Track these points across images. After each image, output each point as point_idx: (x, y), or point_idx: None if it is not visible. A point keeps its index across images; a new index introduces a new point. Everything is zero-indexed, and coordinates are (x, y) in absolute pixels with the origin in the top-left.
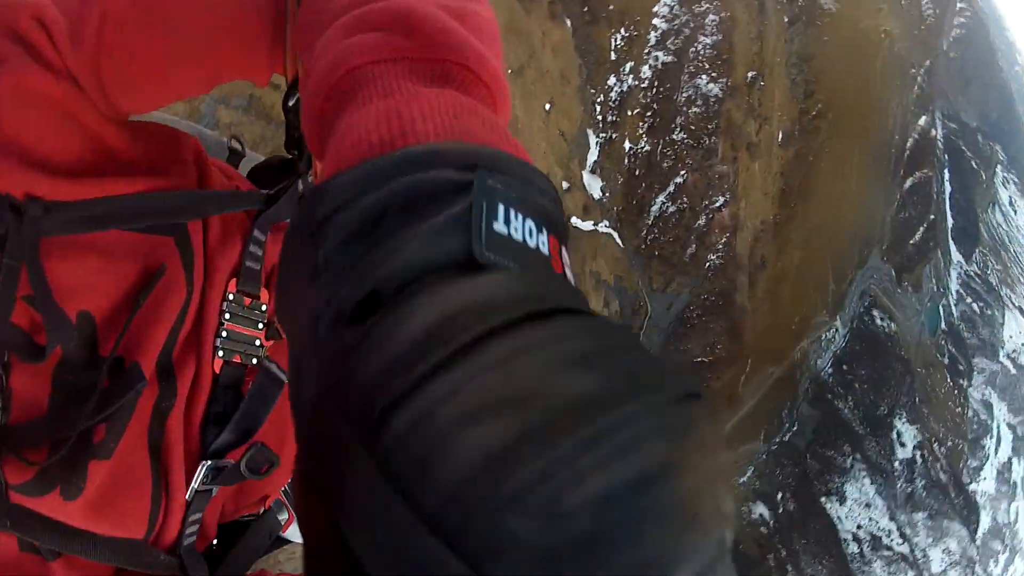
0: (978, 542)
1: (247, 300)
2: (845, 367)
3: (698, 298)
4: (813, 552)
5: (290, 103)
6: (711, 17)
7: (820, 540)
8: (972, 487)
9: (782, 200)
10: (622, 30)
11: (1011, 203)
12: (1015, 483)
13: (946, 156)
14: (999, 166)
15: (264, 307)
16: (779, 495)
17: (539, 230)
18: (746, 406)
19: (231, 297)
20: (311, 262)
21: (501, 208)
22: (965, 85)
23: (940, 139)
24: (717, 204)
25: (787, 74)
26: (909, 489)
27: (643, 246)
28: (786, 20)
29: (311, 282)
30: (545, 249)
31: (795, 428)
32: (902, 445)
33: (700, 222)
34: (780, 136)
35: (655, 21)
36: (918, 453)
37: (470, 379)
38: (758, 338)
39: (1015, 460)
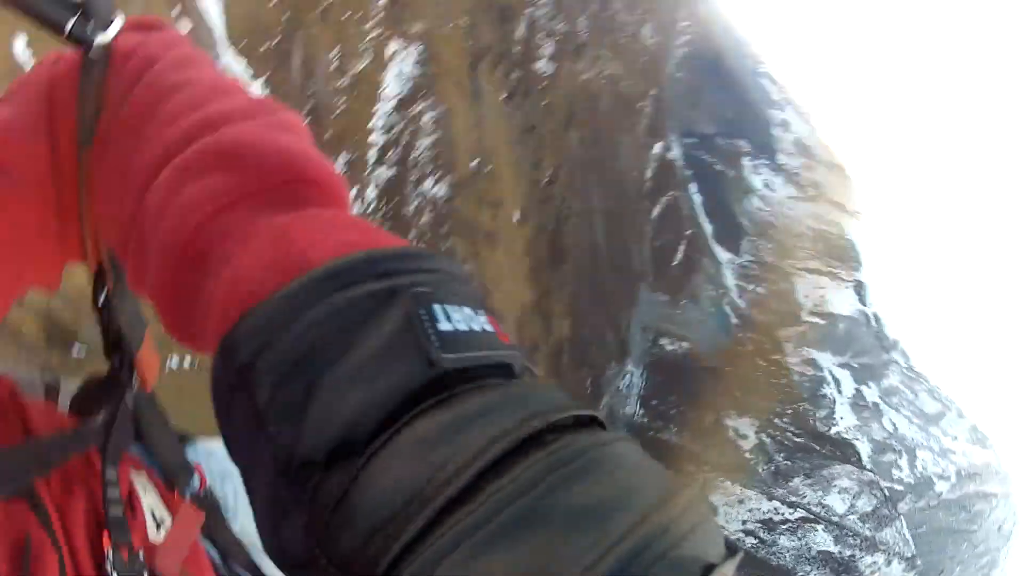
0: (868, 464)
1: (124, 552)
2: (655, 402)
3: None
4: None
5: (100, 299)
6: (428, 116)
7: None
8: (834, 431)
9: (534, 278)
10: (342, 156)
11: (767, 185)
12: (874, 403)
13: (689, 171)
14: (746, 158)
15: (143, 556)
16: None
17: (475, 312)
18: None
19: (110, 555)
20: (250, 413)
21: (438, 308)
22: (696, 98)
23: (679, 158)
24: None
25: (512, 151)
26: (772, 467)
27: None
28: (504, 96)
29: (258, 433)
30: (489, 327)
31: None
32: (743, 437)
33: None
34: (517, 215)
35: (372, 137)
36: (763, 435)
37: (465, 536)
38: None
39: (862, 387)
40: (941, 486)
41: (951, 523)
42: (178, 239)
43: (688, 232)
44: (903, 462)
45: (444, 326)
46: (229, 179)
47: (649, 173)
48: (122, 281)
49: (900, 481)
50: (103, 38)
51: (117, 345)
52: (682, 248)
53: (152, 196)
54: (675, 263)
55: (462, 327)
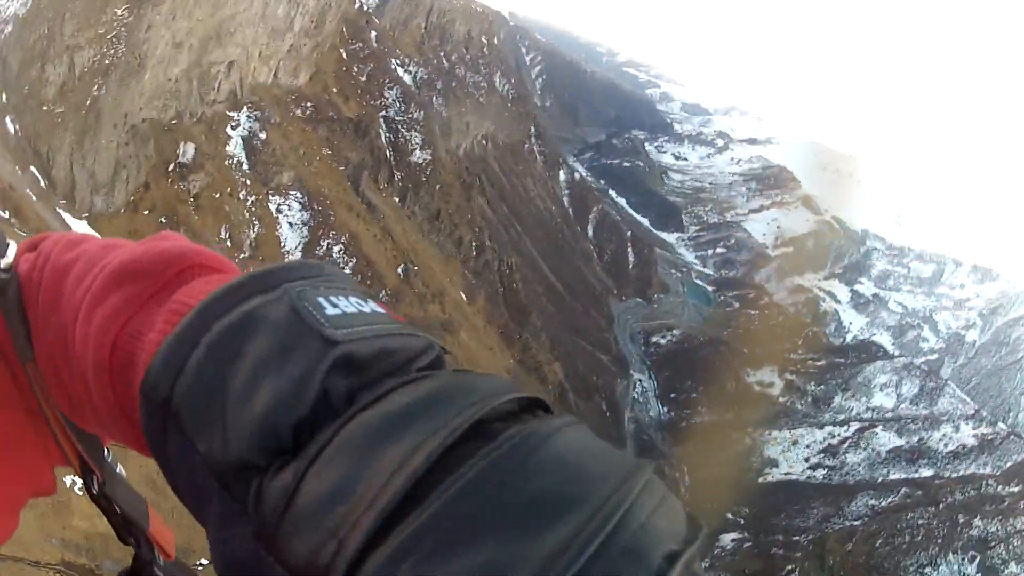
0: (895, 351)
1: None
2: (673, 395)
3: None
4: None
5: (94, 489)
6: (336, 249)
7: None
8: (849, 338)
9: (508, 341)
10: None
11: (677, 157)
12: (873, 295)
13: (600, 181)
14: (646, 144)
15: None
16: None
17: (363, 300)
18: None
19: None
20: (183, 443)
21: (322, 299)
22: (573, 115)
23: (586, 174)
24: None
25: (429, 243)
26: (809, 399)
27: None
28: (397, 199)
29: (193, 457)
30: (380, 309)
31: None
32: (769, 386)
33: None
34: (463, 296)
35: None
36: (786, 376)
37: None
38: None
39: (855, 287)
40: (971, 336)
41: (996, 363)
42: (102, 358)
43: (628, 233)
44: (926, 333)
45: (331, 311)
46: (129, 291)
47: (566, 201)
48: (108, 467)
49: (932, 351)
50: (4, 262)
51: (128, 529)
52: (629, 250)
53: (77, 337)
54: (631, 266)
55: (350, 309)
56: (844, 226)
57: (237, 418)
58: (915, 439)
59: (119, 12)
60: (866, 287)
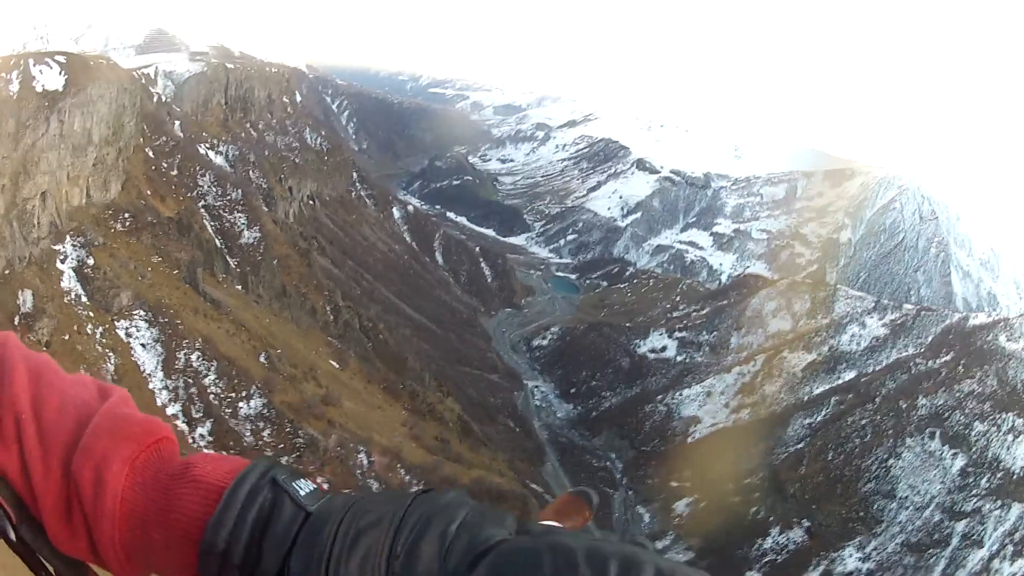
0: (775, 275)
1: None
2: (572, 390)
3: None
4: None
5: (9, 534)
6: (194, 357)
7: None
8: (724, 277)
9: (393, 393)
10: None
11: (504, 160)
12: (733, 230)
13: (428, 206)
14: (470, 156)
15: None
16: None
17: (306, 480)
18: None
19: None
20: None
21: (295, 484)
22: (392, 150)
23: (419, 203)
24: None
25: (284, 320)
26: (707, 349)
27: None
28: (239, 287)
29: None
30: (314, 486)
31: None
32: (664, 350)
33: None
34: (334, 363)
35: (169, 410)
36: (676, 335)
37: None
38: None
39: (713, 231)
40: (844, 236)
41: (879, 251)
42: (113, 507)
43: (477, 249)
44: (799, 248)
45: (301, 493)
46: (123, 451)
47: (407, 236)
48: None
49: (810, 263)
50: None
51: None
52: (483, 265)
53: (84, 484)
54: (490, 280)
55: (308, 489)
56: (685, 176)
57: (273, 548)
58: (825, 348)
59: None
60: (724, 226)
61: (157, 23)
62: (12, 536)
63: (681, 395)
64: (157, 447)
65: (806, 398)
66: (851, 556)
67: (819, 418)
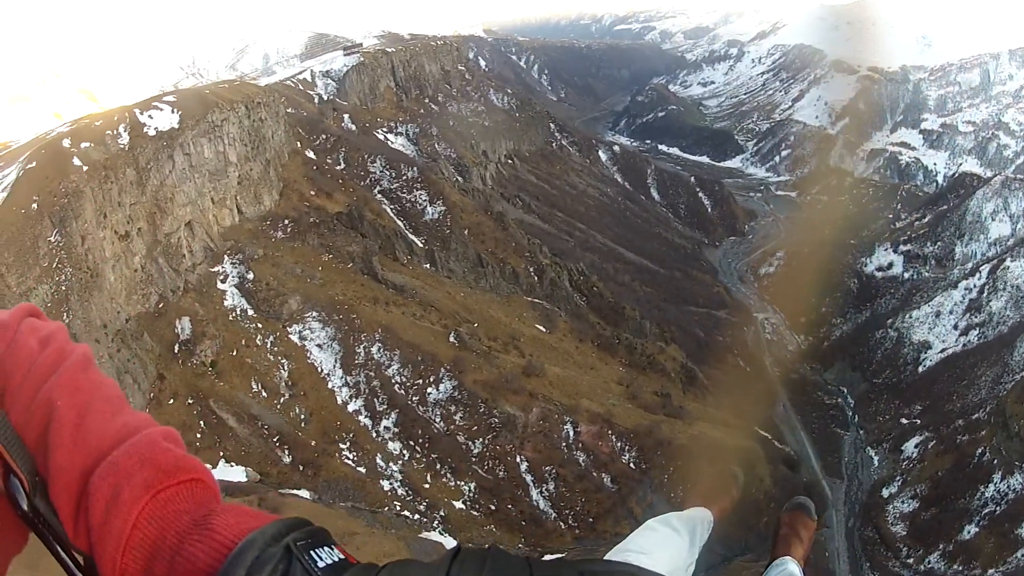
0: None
1: None
2: (803, 319)
3: None
4: None
5: (23, 502)
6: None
7: None
8: None
9: (607, 349)
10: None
11: (705, 84)
12: None
13: (646, 141)
14: (670, 85)
15: None
16: None
17: (331, 547)
18: None
19: None
20: None
21: (313, 554)
22: (592, 94)
23: (628, 141)
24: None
25: (483, 291)
26: (930, 271)
27: None
28: (428, 266)
29: None
30: (341, 556)
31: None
32: (892, 268)
33: None
34: (541, 328)
35: None
36: (904, 252)
37: None
38: None
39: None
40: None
41: None
42: (123, 529)
43: (692, 180)
44: (1004, 139)
45: (321, 564)
46: (149, 476)
47: (619, 177)
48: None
49: (1016, 154)
50: None
51: (66, 548)
52: (701, 195)
53: (98, 494)
54: (710, 209)
55: (330, 560)
56: (883, 73)
57: None
58: None
59: (51, 239)
60: (931, 121)
61: (314, 28)
62: (24, 506)
63: (911, 317)
64: (189, 487)
65: None
66: None
67: None
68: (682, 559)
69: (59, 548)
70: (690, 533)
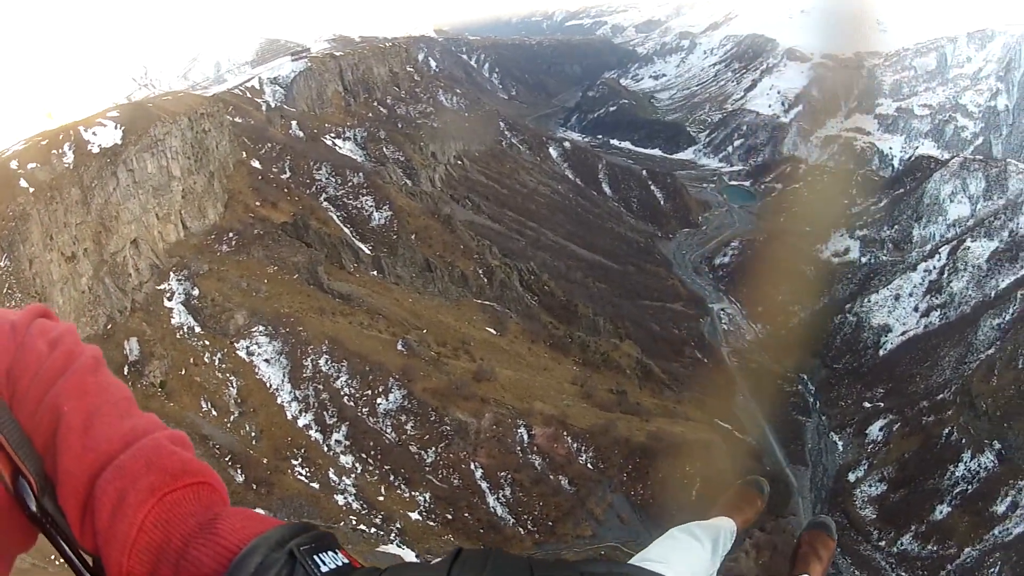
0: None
1: None
2: (761, 308)
3: None
4: None
5: (31, 504)
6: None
7: None
8: None
9: (560, 349)
10: None
11: (656, 77)
12: None
13: (598, 136)
14: (621, 79)
15: None
16: None
17: (335, 552)
18: None
19: None
20: None
21: (317, 559)
22: (543, 90)
23: (579, 137)
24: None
25: (431, 295)
26: (887, 255)
27: None
28: (375, 273)
29: None
30: (346, 560)
31: None
32: (848, 253)
33: None
34: (492, 331)
35: None
36: (860, 237)
37: None
38: None
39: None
40: (1002, 102)
41: None
42: (129, 532)
43: (643, 173)
44: (962, 120)
45: (325, 568)
46: (155, 480)
47: (570, 173)
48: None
49: (975, 136)
50: None
51: (75, 549)
52: (653, 188)
53: (104, 498)
54: (662, 202)
55: (334, 564)
56: (837, 60)
57: None
58: (1006, 234)
59: (0, 264)
60: (886, 106)
61: (265, 34)
62: (33, 507)
63: (869, 301)
64: (196, 490)
65: (993, 294)
66: None
67: (1008, 317)
68: (703, 568)
69: (67, 549)
70: (712, 542)
